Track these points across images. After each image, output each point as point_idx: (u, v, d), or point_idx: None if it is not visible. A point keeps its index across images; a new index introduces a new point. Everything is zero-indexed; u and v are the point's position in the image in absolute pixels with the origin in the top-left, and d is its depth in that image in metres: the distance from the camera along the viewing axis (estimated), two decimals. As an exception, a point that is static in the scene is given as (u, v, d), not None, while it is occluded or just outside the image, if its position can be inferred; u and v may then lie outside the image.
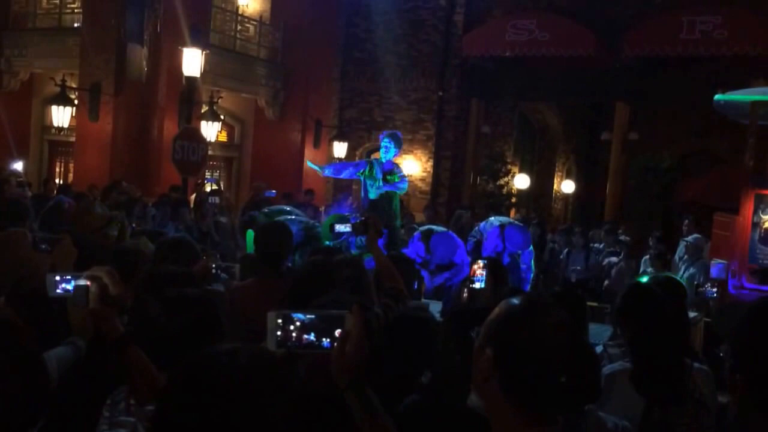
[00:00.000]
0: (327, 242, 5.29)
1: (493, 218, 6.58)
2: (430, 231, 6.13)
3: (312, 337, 1.35)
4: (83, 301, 1.71)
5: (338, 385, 1.39)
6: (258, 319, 2.50)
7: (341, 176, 6.94)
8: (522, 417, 1.27)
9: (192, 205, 8.44)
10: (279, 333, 1.35)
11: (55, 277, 1.79)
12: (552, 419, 1.31)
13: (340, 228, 3.43)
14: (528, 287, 6.39)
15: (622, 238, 8.83)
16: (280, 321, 1.35)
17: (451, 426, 1.89)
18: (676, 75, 12.66)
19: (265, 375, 1.04)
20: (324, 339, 1.36)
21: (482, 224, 6.46)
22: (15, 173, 10.51)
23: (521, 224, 6.43)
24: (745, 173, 7.04)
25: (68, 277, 1.78)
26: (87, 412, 1.89)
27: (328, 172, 6.94)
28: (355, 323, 1.35)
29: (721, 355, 3.96)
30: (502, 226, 6.14)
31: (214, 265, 3.35)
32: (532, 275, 6.51)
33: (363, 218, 3.26)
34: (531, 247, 6.41)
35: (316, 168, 6.97)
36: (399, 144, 6.49)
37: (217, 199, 8.16)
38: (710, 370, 2.63)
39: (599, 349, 3.32)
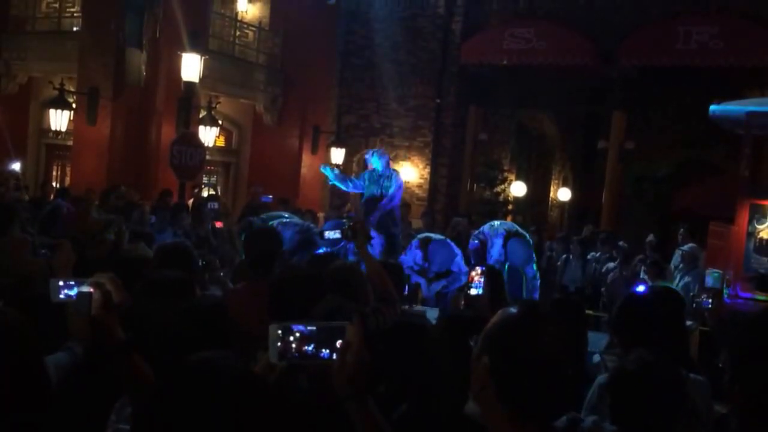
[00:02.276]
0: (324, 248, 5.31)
1: (497, 223, 6.48)
2: (428, 239, 6.14)
3: (313, 348, 1.35)
4: (86, 308, 1.69)
5: (340, 395, 1.39)
6: (249, 323, 2.51)
7: (348, 189, 7.10)
8: (518, 425, 1.28)
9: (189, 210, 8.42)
10: (279, 344, 1.35)
11: (58, 282, 1.78)
12: (548, 427, 1.32)
13: (330, 235, 3.45)
14: (537, 294, 6.34)
15: (620, 243, 8.88)
16: (280, 332, 1.35)
17: None
18: (672, 85, 12.73)
19: (250, 385, 1.04)
20: (325, 350, 1.36)
21: (486, 227, 6.39)
22: (14, 174, 10.51)
23: (525, 236, 6.29)
24: (740, 183, 7.07)
25: (71, 282, 1.77)
26: (85, 418, 1.89)
27: (340, 184, 7.10)
28: (356, 334, 1.36)
29: (721, 366, 3.97)
30: (507, 236, 6.04)
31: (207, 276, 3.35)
32: (539, 282, 6.46)
33: (351, 224, 3.28)
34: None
35: (328, 173, 7.12)
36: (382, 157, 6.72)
37: (216, 205, 8.15)
38: (707, 381, 2.62)
39: (597, 358, 3.33)
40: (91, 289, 1.68)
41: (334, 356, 1.36)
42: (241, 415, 0.99)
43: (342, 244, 5.23)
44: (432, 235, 6.48)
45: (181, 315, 1.98)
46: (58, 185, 12.77)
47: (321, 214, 10.85)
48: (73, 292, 1.74)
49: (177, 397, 1.01)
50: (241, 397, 1.01)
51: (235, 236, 6.83)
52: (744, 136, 7.20)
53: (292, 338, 1.35)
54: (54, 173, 14.13)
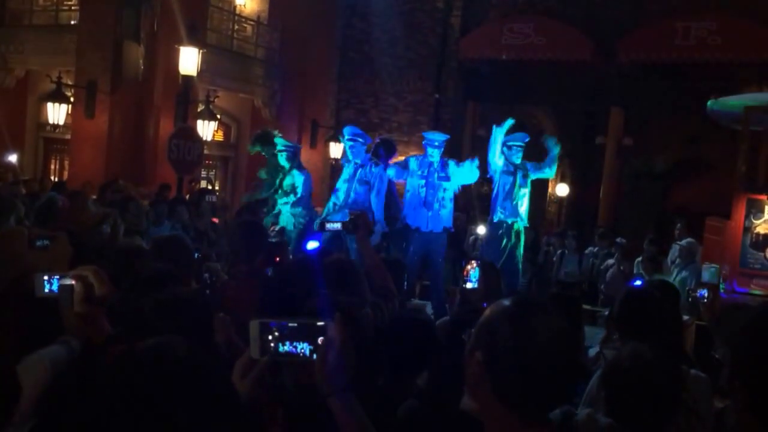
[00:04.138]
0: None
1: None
2: None
3: (293, 345, 1.35)
4: (68, 301, 1.65)
5: (322, 392, 1.39)
6: (243, 315, 2.51)
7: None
8: (514, 419, 1.27)
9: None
10: (261, 340, 1.35)
11: (43, 276, 1.76)
12: (545, 420, 1.32)
13: (330, 226, 3.44)
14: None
15: (618, 240, 8.90)
16: (261, 329, 1.35)
17: (450, 430, 1.90)
18: (670, 81, 12.72)
19: (194, 372, 1.03)
20: (305, 347, 1.36)
21: None
22: (11, 167, 10.49)
23: None
24: (737, 178, 7.08)
25: (56, 276, 1.74)
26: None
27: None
28: (337, 331, 1.36)
29: (717, 357, 3.99)
30: None
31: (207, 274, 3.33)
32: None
33: (352, 216, 3.27)
34: None
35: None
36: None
37: (213, 198, 8.16)
38: (708, 377, 2.62)
39: (594, 351, 3.34)
40: (73, 282, 1.65)
41: (315, 354, 1.35)
42: (185, 399, 0.98)
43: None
44: None
45: (164, 307, 1.98)
46: (56, 179, 12.75)
47: (319, 209, 10.84)
48: (56, 286, 1.72)
49: (122, 382, 1.01)
50: (186, 382, 1.00)
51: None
52: (741, 132, 7.21)
53: (272, 335, 1.34)
54: (52, 167, 14.13)
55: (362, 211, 5.69)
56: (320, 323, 1.37)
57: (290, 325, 1.36)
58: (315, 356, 1.35)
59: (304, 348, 1.36)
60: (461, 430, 1.66)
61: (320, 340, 1.35)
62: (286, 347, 1.35)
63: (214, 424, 1.00)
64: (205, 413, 0.99)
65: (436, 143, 6.70)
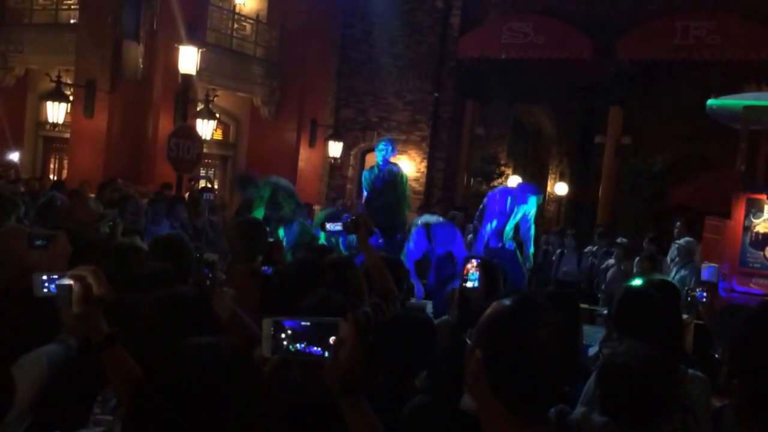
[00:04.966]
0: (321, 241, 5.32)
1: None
2: (428, 223, 6.32)
3: (306, 344, 1.36)
4: (66, 301, 1.65)
5: (332, 391, 1.39)
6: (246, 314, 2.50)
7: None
8: (512, 418, 1.27)
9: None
10: (273, 339, 1.35)
11: (41, 276, 1.75)
12: (543, 419, 1.31)
13: (331, 227, 3.43)
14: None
15: (618, 240, 8.89)
16: (273, 327, 1.35)
17: (457, 427, 1.90)
18: (669, 80, 12.73)
19: (243, 370, 1.04)
20: (317, 346, 1.36)
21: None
22: (13, 166, 10.49)
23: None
24: (736, 177, 7.08)
25: (54, 276, 1.74)
26: (76, 409, 1.89)
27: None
28: (349, 330, 1.36)
29: (717, 356, 3.99)
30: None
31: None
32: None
33: (354, 217, 3.26)
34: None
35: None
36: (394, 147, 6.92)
37: (211, 196, 8.13)
38: (707, 377, 2.62)
39: (594, 349, 3.34)
40: (71, 282, 1.65)
41: (327, 353, 1.36)
42: (234, 398, 1.00)
43: (338, 236, 5.23)
44: (430, 218, 6.62)
45: (163, 306, 1.97)
46: (55, 177, 12.75)
47: (317, 207, 10.86)
48: (54, 286, 1.71)
49: (171, 380, 1.01)
50: (236, 381, 1.01)
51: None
52: (741, 131, 7.21)
53: (284, 333, 1.35)
54: (51, 166, 14.13)
55: (363, 213, 5.70)
56: (333, 322, 1.37)
57: (303, 323, 1.36)
58: (327, 355, 1.36)
59: (316, 347, 1.36)
60: (465, 428, 1.66)
61: (332, 339, 1.35)
62: (299, 346, 1.35)
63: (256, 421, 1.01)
64: (250, 410, 1.01)
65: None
